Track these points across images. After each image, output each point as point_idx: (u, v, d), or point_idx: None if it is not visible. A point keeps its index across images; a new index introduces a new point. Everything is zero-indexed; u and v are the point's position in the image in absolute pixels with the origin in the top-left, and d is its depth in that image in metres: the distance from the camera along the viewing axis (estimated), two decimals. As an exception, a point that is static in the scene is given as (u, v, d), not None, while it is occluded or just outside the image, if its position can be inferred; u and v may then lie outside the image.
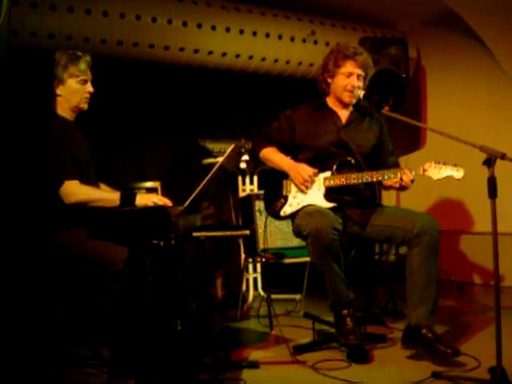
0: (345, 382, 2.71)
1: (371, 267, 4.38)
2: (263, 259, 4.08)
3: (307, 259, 3.77)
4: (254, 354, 3.26)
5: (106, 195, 2.91)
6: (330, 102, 3.40)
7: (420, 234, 3.00)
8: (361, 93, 3.26)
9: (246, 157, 4.23)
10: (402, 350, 3.13)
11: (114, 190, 3.12)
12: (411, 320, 3.02)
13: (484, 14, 4.89)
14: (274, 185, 3.38)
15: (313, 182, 3.24)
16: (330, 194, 3.23)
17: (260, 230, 4.17)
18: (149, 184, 4.37)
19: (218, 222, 3.09)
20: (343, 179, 3.18)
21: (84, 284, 2.88)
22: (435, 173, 3.02)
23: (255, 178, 4.82)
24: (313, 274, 3.35)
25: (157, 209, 2.66)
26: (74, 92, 2.91)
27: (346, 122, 3.36)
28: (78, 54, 2.94)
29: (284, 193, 3.32)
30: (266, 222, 3.87)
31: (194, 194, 2.72)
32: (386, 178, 3.11)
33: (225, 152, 3.14)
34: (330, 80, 3.34)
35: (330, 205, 3.21)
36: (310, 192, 3.26)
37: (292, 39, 5.21)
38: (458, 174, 2.99)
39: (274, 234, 4.31)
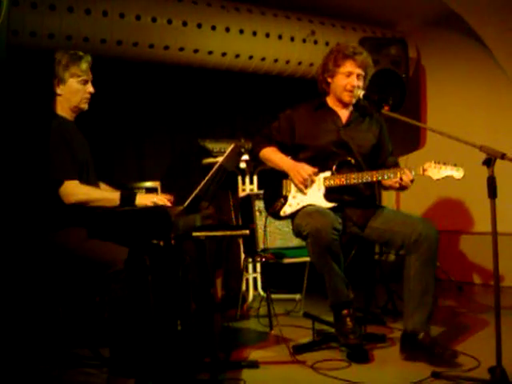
0: (345, 381, 2.71)
1: (371, 267, 4.38)
2: (263, 259, 4.08)
3: (307, 259, 3.77)
4: (254, 354, 3.26)
5: (106, 195, 2.91)
6: (330, 101, 3.40)
7: (418, 241, 2.99)
8: (361, 93, 3.25)
9: (245, 157, 4.23)
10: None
11: (113, 190, 3.12)
12: (408, 326, 3.02)
13: (484, 14, 4.89)
14: (273, 185, 3.38)
15: (312, 181, 3.24)
16: (329, 193, 3.23)
17: (260, 230, 4.17)
18: (149, 184, 4.37)
19: (217, 222, 3.08)
20: (343, 179, 3.18)
21: (84, 284, 2.88)
22: (435, 173, 3.01)
23: (255, 178, 4.82)
24: (312, 274, 3.35)
25: (157, 209, 2.66)
26: (74, 92, 2.91)
27: (346, 121, 3.36)
28: (80, 54, 2.94)
29: (284, 193, 3.32)
30: (265, 222, 3.87)
31: (193, 194, 2.72)
32: (385, 177, 3.11)
33: (225, 152, 3.14)
34: (329, 80, 3.34)
35: (330, 205, 3.21)
36: (309, 192, 3.25)
37: (292, 39, 5.21)
38: (457, 173, 2.99)
39: (274, 234, 4.31)
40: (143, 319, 2.62)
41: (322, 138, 3.29)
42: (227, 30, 4.88)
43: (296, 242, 3.99)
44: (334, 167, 3.24)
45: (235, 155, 3.22)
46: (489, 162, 2.47)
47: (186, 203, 2.70)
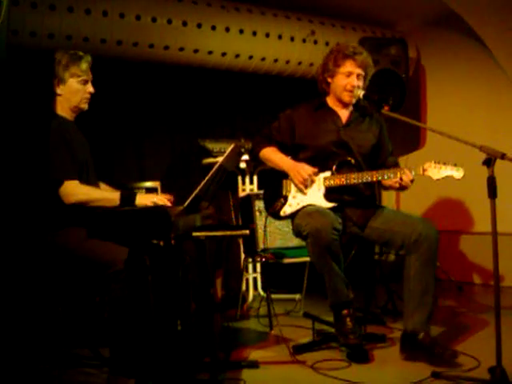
0: (344, 381, 2.71)
1: (371, 267, 4.38)
2: (263, 259, 4.08)
3: (307, 259, 3.77)
4: (254, 354, 3.26)
5: (106, 195, 2.91)
6: (330, 101, 3.40)
7: (418, 241, 2.99)
8: (361, 93, 3.25)
9: (245, 156, 4.23)
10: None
11: (113, 190, 3.12)
12: (408, 326, 3.02)
13: (484, 13, 4.89)
14: (273, 185, 3.38)
15: (312, 181, 3.24)
16: (329, 193, 3.23)
17: (260, 230, 4.17)
18: (149, 184, 4.37)
19: (217, 222, 3.08)
20: (343, 179, 3.18)
21: (84, 284, 2.88)
22: (435, 172, 3.01)
23: (255, 178, 4.82)
24: (312, 274, 3.35)
25: (156, 209, 2.66)
26: (74, 92, 2.91)
27: (346, 121, 3.36)
28: (80, 54, 2.94)
29: (284, 193, 3.32)
30: (265, 222, 3.87)
31: (193, 194, 2.72)
32: (385, 177, 3.10)
33: (224, 152, 3.14)
34: (329, 80, 3.34)
35: (330, 205, 3.20)
36: (309, 192, 3.25)
37: (292, 39, 5.21)
38: (457, 173, 2.99)
39: (274, 234, 4.31)
40: (143, 319, 2.62)
41: (322, 138, 3.29)
42: (227, 29, 4.88)
43: (296, 241, 3.99)
44: (334, 167, 3.24)
45: (235, 155, 3.22)
46: (489, 162, 2.47)
47: (186, 203, 2.70)
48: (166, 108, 5.15)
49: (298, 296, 4.46)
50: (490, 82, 5.39)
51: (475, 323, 3.81)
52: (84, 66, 2.93)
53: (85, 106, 2.98)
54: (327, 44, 5.26)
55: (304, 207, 3.21)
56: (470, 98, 5.60)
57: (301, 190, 3.26)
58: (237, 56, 5.05)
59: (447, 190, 5.49)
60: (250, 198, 4.32)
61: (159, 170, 5.07)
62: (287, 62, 5.30)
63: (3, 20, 2.45)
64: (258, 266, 4.79)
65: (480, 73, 5.48)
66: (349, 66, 3.25)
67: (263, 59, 5.18)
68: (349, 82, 3.26)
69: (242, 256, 4.60)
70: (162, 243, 2.98)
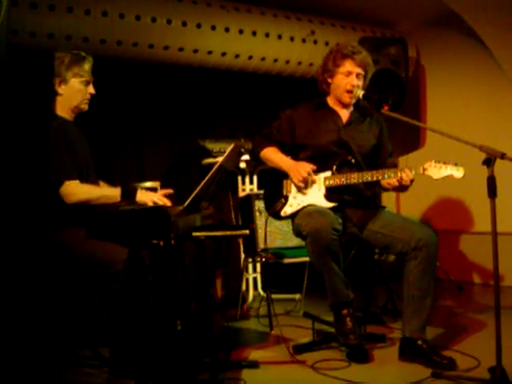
0: (344, 381, 2.71)
1: (371, 267, 4.38)
2: (263, 259, 4.08)
3: (307, 259, 3.77)
4: (254, 354, 3.26)
5: (107, 192, 2.90)
6: (331, 101, 3.40)
7: (418, 248, 2.99)
8: (360, 92, 3.25)
9: (245, 156, 4.23)
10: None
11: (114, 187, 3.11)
12: (406, 332, 3.02)
13: (484, 13, 4.89)
14: (274, 185, 3.37)
15: (313, 181, 3.24)
16: (330, 193, 3.22)
17: (260, 230, 4.17)
18: (148, 184, 4.36)
19: (217, 222, 3.08)
20: (343, 179, 3.17)
21: (84, 284, 2.88)
22: (435, 172, 3.01)
23: (255, 178, 4.82)
24: (312, 274, 3.35)
25: (156, 209, 2.66)
26: (76, 92, 2.92)
27: (346, 121, 3.36)
28: (83, 55, 2.95)
29: (284, 193, 3.32)
30: (266, 222, 3.87)
31: (193, 194, 2.72)
32: (386, 177, 3.10)
33: (224, 152, 3.14)
34: (329, 80, 3.34)
35: (331, 205, 3.20)
36: (310, 192, 3.25)
37: (292, 39, 5.21)
38: (458, 173, 2.98)
39: (274, 234, 4.31)
40: (143, 319, 2.62)
41: (322, 138, 3.29)
42: (227, 30, 4.88)
43: (296, 241, 3.99)
44: (335, 167, 3.24)
45: (235, 155, 3.22)
46: (489, 162, 2.47)
47: (186, 203, 2.70)
48: (166, 108, 5.15)
49: (297, 296, 4.46)
50: (489, 82, 5.39)
51: (475, 323, 3.81)
52: (87, 66, 2.93)
53: (85, 107, 2.98)
54: (327, 44, 5.26)
55: (304, 207, 3.20)
56: (470, 97, 5.60)
57: (301, 190, 3.26)
58: (236, 56, 5.05)
59: (447, 190, 5.49)
60: (249, 198, 4.32)
61: (159, 170, 5.07)
62: (287, 61, 5.30)
63: (3, 20, 2.45)
64: (258, 265, 4.79)
65: (480, 73, 5.48)
66: (348, 66, 3.25)
67: (263, 59, 5.18)
68: (348, 81, 3.26)
69: (242, 256, 4.60)
70: (161, 243, 2.97)
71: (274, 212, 3.34)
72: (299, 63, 5.36)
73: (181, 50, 4.79)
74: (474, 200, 5.26)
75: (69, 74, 2.89)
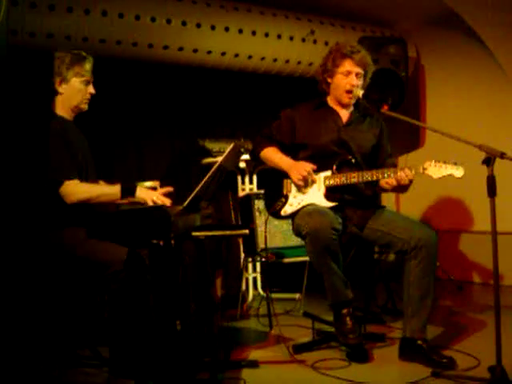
0: (344, 381, 2.71)
1: (371, 266, 4.38)
2: (263, 258, 4.08)
3: (307, 258, 3.76)
4: (254, 354, 3.26)
5: (107, 190, 2.89)
6: (331, 101, 3.40)
7: (417, 247, 2.99)
8: (360, 92, 3.25)
9: (245, 156, 4.23)
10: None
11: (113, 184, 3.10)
12: (406, 332, 3.03)
13: (484, 13, 4.89)
14: (274, 184, 3.37)
15: (313, 181, 3.24)
16: (330, 193, 3.22)
17: (259, 230, 4.17)
18: (148, 183, 4.36)
19: (217, 222, 3.08)
20: (343, 178, 3.17)
21: (84, 284, 2.88)
22: (435, 171, 3.00)
23: (254, 178, 4.82)
24: (312, 274, 3.35)
25: (156, 209, 2.66)
26: (76, 91, 2.91)
27: (346, 121, 3.36)
28: (83, 55, 2.95)
29: (284, 192, 3.32)
30: (266, 222, 3.87)
31: (193, 194, 2.72)
32: (385, 176, 3.10)
33: (224, 151, 3.14)
34: (329, 80, 3.34)
35: (331, 204, 3.20)
36: (310, 191, 3.25)
37: (291, 38, 5.21)
38: (457, 172, 2.97)
39: (274, 234, 4.31)
40: (143, 319, 2.62)
41: (322, 137, 3.29)
42: (226, 29, 4.88)
43: (296, 241, 3.99)
44: (335, 167, 3.24)
45: (235, 155, 3.22)
46: (488, 161, 2.47)
47: (186, 203, 2.70)
48: (166, 108, 5.15)
49: (297, 295, 4.46)
50: (489, 82, 5.39)
51: (475, 322, 3.82)
52: (87, 66, 2.93)
53: (85, 107, 2.98)
54: (326, 43, 5.27)
55: (304, 207, 3.20)
56: (470, 97, 5.60)
57: (301, 189, 3.26)
58: (236, 56, 5.05)
59: (447, 189, 5.49)
60: (249, 198, 4.32)
61: (159, 169, 5.07)
62: (286, 61, 5.30)
63: (2, 20, 2.45)
64: (258, 265, 4.79)
65: (479, 72, 5.48)
66: (347, 66, 3.25)
67: (262, 59, 5.18)
68: (348, 81, 3.26)
69: (242, 255, 4.60)
70: (161, 243, 2.97)
71: (274, 211, 3.34)
72: (299, 63, 5.36)
73: (180, 49, 4.79)
74: (474, 199, 5.26)
75: (70, 73, 2.89)
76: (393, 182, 3.09)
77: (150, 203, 2.77)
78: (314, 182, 3.24)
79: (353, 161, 3.26)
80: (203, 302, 2.95)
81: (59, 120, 2.88)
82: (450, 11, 5.02)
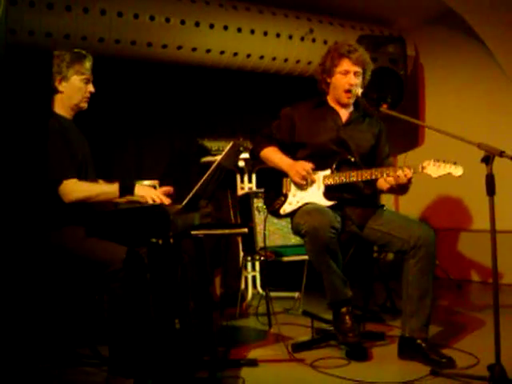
0: (343, 379, 2.71)
1: (370, 265, 4.38)
2: (262, 257, 4.08)
3: (306, 257, 3.76)
4: (253, 352, 3.26)
5: (106, 189, 2.89)
6: (331, 100, 3.40)
7: (416, 246, 2.99)
8: (359, 91, 3.25)
9: (244, 155, 4.23)
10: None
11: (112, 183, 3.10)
12: (405, 331, 3.02)
13: (483, 12, 4.89)
14: (274, 183, 3.37)
15: (313, 181, 3.24)
16: (329, 192, 3.23)
17: (258, 228, 4.17)
18: (147, 182, 4.36)
19: (216, 221, 3.08)
20: (342, 177, 3.17)
21: (83, 283, 2.88)
22: (434, 170, 3.00)
23: (254, 176, 4.83)
24: (311, 272, 3.35)
25: (155, 207, 2.65)
26: (76, 90, 2.91)
27: (346, 121, 3.36)
28: (83, 53, 2.95)
29: (284, 191, 3.32)
30: (265, 221, 3.87)
31: (192, 192, 2.72)
32: (384, 175, 3.10)
33: (223, 150, 3.13)
34: (328, 79, 3.34)
35: (330, 203, 3.20)
36: (309, 190, 3.25)
37: (290, 37, 5.21)
38: (456, 171, 2.97)
39: (273, 232, 4.31)
40: (142, 318, 2.62)
41: (321, 136, 3.29)
42: (225, 28, 4.88)
43: (295, 240, 4.00)
44: (334, 166, 3.24)
45: (234, 153, 3.22)
46: (487, 160, 2.47)
47: (185, 201, 2.70)
48: (165, 107, 5.15)
49: (296, 294, 4.46)
50: (488, 80, 5.39)
51: (474, 321, 3.82)
52: (87, 64, 2.93)
53: (84, 105, 2.98)
54: (325, 42, 5.27)
55: (303, 205, 3.20)
56: (469, 96, 5.60)
57: (300, 189, 3.26)
58: (235, 54, 5.05)
59: (446, 188, 5.50)
60: (248, 197, 4.32)
61: (158, 168, 5.08)
62: (285, 60, 5.30)
63: (1, 19, 2.45)
64: (257, 264, 4.79)
65: (479, 71, 5.48)
66: (345, 65, 3.25)
67: (261, 57, 5.18)
68: (346, 80, 3.26)
69: (241, 254, 4.60)
70: (160, 242, 2.97)
71: (273, 210, 3.34)
72: (298, 61, 5.36)
73: (179, 48, 4.79)
74: (473, 198, 5.25)
75: (70, 71, 2.89)
76: (391, 180, 3.09)
77: (150, 201, 2.77)
78: (313, 181, 3.24)
79: (352, 160, 3.26)
80: (202, 301, 2.95)
81: (58, 119, 2.88)
82: (449, 10, 5.02)
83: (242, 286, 4.63)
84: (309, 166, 3.22)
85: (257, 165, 4.55)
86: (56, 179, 2.73)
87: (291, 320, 3.93)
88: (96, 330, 3.22)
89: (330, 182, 3.21)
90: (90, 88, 2.95)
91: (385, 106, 3.18)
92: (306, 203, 3.20)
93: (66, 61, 2.89)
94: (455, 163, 2.98)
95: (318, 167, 3.25)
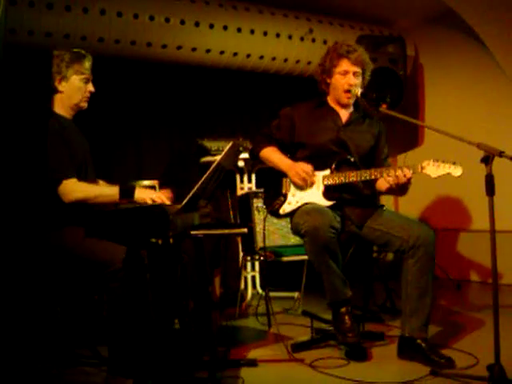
0: (343, 379, 2.71)
1: (369, 265, 4.38)
2: (261, 257, 4.07)
3: (305, 257, 3.76)
4: (253, 352, 3.26)
5: (105, 190, 2.89)
6: (331, 101, 3.40)
7: (415, 246, 2.99)
8: (359, 91, 3.26)
9: (244, 155, 4.23)
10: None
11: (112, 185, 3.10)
12: (405, 331, 3.02)
13: (482, 12, 4.89)
14: (273, 183, 3.37)
15: (312, 182, 3.24)
16: (329, 192, 3.23)
17: (258, 228, 4.17)
18: (147, 182, 4.37)
19: (215, 221, 3.08)
20: (342, 177, 3.17)
21: (82, 283, 2.88)
22: (433, 170, 3.00)
23: (253, 176, 4.83)
24: (311, 272, 3.35)
25: (155, 207, 2.65)
26: (76, 89, 2.91)
27: (346, 121, 3.35)
28: (82, 53, 2.95)
29: (283, 191, 3.32)
30: (264, 221, 3.87)
31: (191, 192, 2.72)
32: (384, 175, 3.10)
33: (223, 150, 3.13)
34: (328, 80, 3.34)
35: (329, 203, 3.20)
36: (309, 190, 3.25)
37: (290, 37, 5.21)
38: (456, 171, 2.97)
39: (273, 232, 4.31)
40: (141, 318, 2.62)
41: (320, 136, 3.29)
42: (225, 28, 4.89)
43: (294, 240, 4.00)
44: (333, 166, 3.24)
45: (233, 153, 3.22)
46: (487, 160, 2.47)
47: (184, 201, 2.70)
48: (165, 106, 5.15)
49: (296, 294, 4.46)
50: (488, 80, 5.39)
51: (473, 321, 3.82)
52: (87, 64, 2.93)
53: (84, 105, 2.97)
54: (325, 42, 5.27)
55: (303, 205, 3.20)
56: (468, 95, 5.61)
57: (300, 189, 3.26)
58: (235, 54, 5.06)
59: (445, 188, 5.50)
60: (248, 197, 4.32)
61: (158, 168, 5.08)
62: (285, 60, 5.31)
63: (1, 19, 2.45)
64: (257, 264, 4.79)
65: (478, 71, 5.48)
66: (344, 65, 3.25)
67: (261, 57, 5.18)
68: (346, 81, 3.26)
69: (241, 254, 4.60)
70: (160, 242, 2.97)
71: (272, 210, 3.34)
72: (297, 61, 5.36)
73: (179, 48, 4.79)
74: (473, 198, 5.25)
75: (70, 71, 2.89)
76: (391, 180, 3.09)
77: (150, 202, 2.77)
78: (313, 183, 3.24)
79: (351, 160, 3.26)
80: (202, 301, 2.95)
81: (58, 119, 2.87)
82: (449, 10, 5.02)
83: (242, 286, 4.63)
84: (309, 167, 3.22)
85: (256, 165, 4.55)
86: (56, 179, 2.73)
87: (291, 320, 3.93)
88: (95, 330, 3.22)
89: (330, 182, 3.21)
90: (90, 88, 2.95)
91: (384, 106, 3.18)
92: (306, 203, 3.20)
93: (66, 60, 2.88)
94: (454, 163, 2.98)
95: (318, 167, 3.25)
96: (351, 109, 3.40)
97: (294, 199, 3.27)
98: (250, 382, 2.75)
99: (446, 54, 5.77)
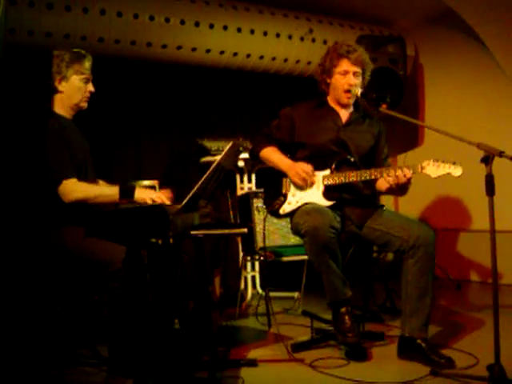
0: (343, 379, 2.71)
1: (369, 265, 4.38)
2: (261, 257, 4.07)
3: (305, 257, 3.76)
4: (253, 352, 3.26)
5: (106, 190, 2.89)
6: (331, 101, 3.40)
7: (415, 246, 2.99)
8: (359, 91, 3.26)
9: (244, 155, 4.23)
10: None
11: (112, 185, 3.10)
12: (405, 331, 3.02)
13: (482, 12, 4.89)
14: (273, 183, 3.37)
15: (312, 183, 3.24)
16: (329, 192, 3.23)
17: (258, 228, 4.17)
18: (147, 182, 4.37)
19: (215, 221, 3.08)
20: (342, 177, 3.17)
21: (82, 283, 2.88)
22: (433, 170, 3.00)
23: (253, 176, 4.83)
24: (311, 272, 3.35)
25: (155, 207, 2.65)
26: (76, 89, 2.91)
27: (346, 121, 3.35)
28: (82, 53, 2.95)
29: (283, 191, 3.32)
30: (264, 221, 3.87)
31: (191, 192, 2.72)
32: (384, 175, 3.10)
33: (223, 150, 3.13)
34: (328, 80, 3.34)
35: (329, 203, 3.20)
36: (309, 190, 3.25)
37: (290, 37, 5.21)
38: (456, 171, 2.97)
39: (273, 232, 4.31)
40: (141, 318, 2.62)
41: (320, 136, 3.29)
42: (225, 28, 4.89)
43: (294, 240, 3.99)
44: (333, 166, 3.24)
45: (233, 153, 3.22)
46: (487, 160, 2.47)
47: (184, 201, 2.70)
48: (165, 106, 5.15)
49: (296, 294, 4.46)
50: (488, 80, 5.39)
51: (473, 321, 3.82)
52: (87, 64, 2.93)
53: (84, 105, 2.97)
54: (325, 42, 5.27)
55: (303, 205, 3.20)
56: (468, 95, 5.61)
57: (300, 189, 3.26)
58: (235, 54, 5.06)
59: (445, 188, 5.50)
60: (248, 197, 4.32)
61: (157, 168, 5.08)
62: (285, 60, 5.31)
63: (1, 19, 2.45)
64: (257, 264, 4.79)
65: (478, 71, 5.48)
66: (344, 65, 3.25)
67: (261, 57, 5.18)
68: (346, 81, 3.26)
69: (241, 254, 4.60)
70: (160, 242, 2.97)
71: (272, 210, 3.34)
72: (297, 61, 5.36)
73: (179, 48, 4.79)
74: (473, 198, 5.25)
75: (70, 71, 2.89)
76: (390, 180, 3.09)
77: (150, 202, 2.77)
78: (313, 183, 3.24)
79: (351, 160, 3.26)
80: (202, 301, 2.95)
81: (58, 119, 2.87)
82: (449, 10, 5.02)
83: (242, 286, 4.63)
84: (309, 168, 3.22)
85: (256, 165, 4.55)
86: (56, 179, 2.73)
87: (291, 320, 3.93)
88: (95, 330, 3.22)
89: (330, 182, 3.21)
90: (90, 87, 2.95)
91: (384, 106, 3.18)
92: (306, 203, 3.20)
93: (66, 60, 2.88)
94: (454, 163, 2.98)
95: (318, 167, 3.25)
96: (351, 109, 3.40)
97: (294, 199, 3.27)
98: (250, 381, 2.75)
99: (445, 54, 5.77)
